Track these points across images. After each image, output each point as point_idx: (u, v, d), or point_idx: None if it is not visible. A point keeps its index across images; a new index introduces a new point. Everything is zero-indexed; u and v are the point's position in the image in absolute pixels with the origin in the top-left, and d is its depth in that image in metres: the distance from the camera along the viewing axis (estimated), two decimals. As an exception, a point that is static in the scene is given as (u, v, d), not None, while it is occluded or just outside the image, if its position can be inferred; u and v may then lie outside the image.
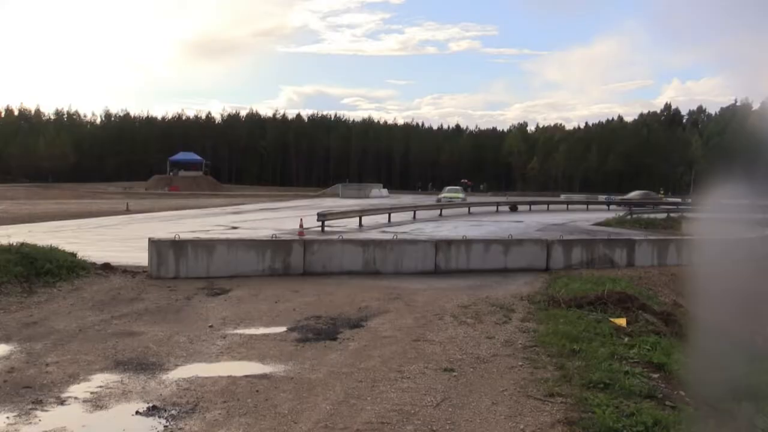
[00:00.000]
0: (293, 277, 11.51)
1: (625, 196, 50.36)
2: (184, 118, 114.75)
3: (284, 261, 11.76)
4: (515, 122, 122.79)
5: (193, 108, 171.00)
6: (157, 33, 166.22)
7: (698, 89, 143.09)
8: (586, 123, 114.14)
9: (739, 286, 8.26)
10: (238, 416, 4.93)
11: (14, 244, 10.67)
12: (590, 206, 43.58)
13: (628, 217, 30.28)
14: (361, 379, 5.92)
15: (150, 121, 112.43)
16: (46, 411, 4.97)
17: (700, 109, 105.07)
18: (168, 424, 4.76)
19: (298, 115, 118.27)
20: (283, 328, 7.79)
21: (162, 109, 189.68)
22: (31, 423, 4.74)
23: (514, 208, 36.98)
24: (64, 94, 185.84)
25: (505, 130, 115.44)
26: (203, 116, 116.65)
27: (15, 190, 57.02)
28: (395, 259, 12.39)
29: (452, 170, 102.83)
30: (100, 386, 5.55)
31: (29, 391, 5.38)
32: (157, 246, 11.12)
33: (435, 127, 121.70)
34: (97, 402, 5.19)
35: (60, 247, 11.39)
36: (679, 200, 50.13)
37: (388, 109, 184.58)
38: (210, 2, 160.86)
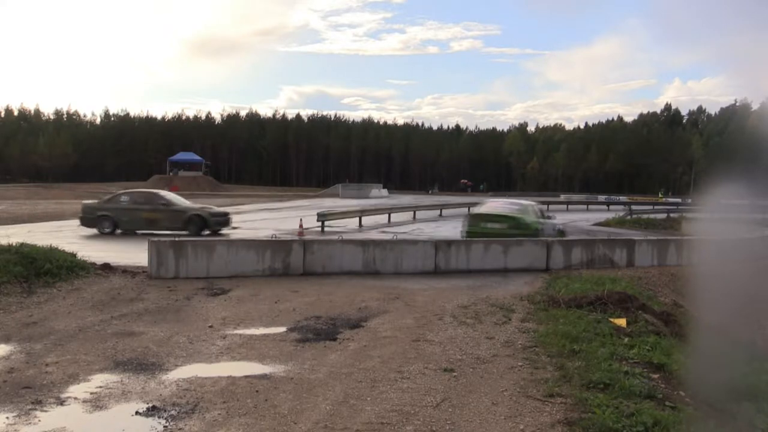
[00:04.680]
0: (293, 277, 11.50)
1: None
2: (184, 118, 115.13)
3: (284, 261, 11.75)
4: (516, 122, 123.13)
5: (193, 108, 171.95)
6: (157, 32, 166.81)
7: (700, 89, 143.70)
8: (587, 123, 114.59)
9: (739, 286, 8.25)
10: (237, 416, 4.92)
11: (14, 244, 10.65)
12: (590, 206, 43.68)
13: (628, 217, 30.35)
14: (360, 379, 5.91)
15: (150, 121, 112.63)
16: (46, 411, 4.97)
17: (700, 109, 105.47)
18: (168, 424, 4.76)
19: (298, 115, 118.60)
20: (282, 329, 7.78)
21: (162, 109, 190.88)
22: (30, 423, 4.74)
23: (514, 208, 36.85)
24: (64, 94, 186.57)
25: (506, 130, 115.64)
26: (203, 116, 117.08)
27: (15, 190, 57.08)
28: (395, 259, 12.38)
29: (452, 170, 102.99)
30: (100, 386, 5.54)
31: (29, 391, 5.37)
32: (156, 246, 11.11)
33: (435, 127, 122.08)
34: (96, 402, 5.18)
35: (60, 247, 11.37)
36: (679, 200, 50.22)
37: (388, 109, 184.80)
38: (210, 1, 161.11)
